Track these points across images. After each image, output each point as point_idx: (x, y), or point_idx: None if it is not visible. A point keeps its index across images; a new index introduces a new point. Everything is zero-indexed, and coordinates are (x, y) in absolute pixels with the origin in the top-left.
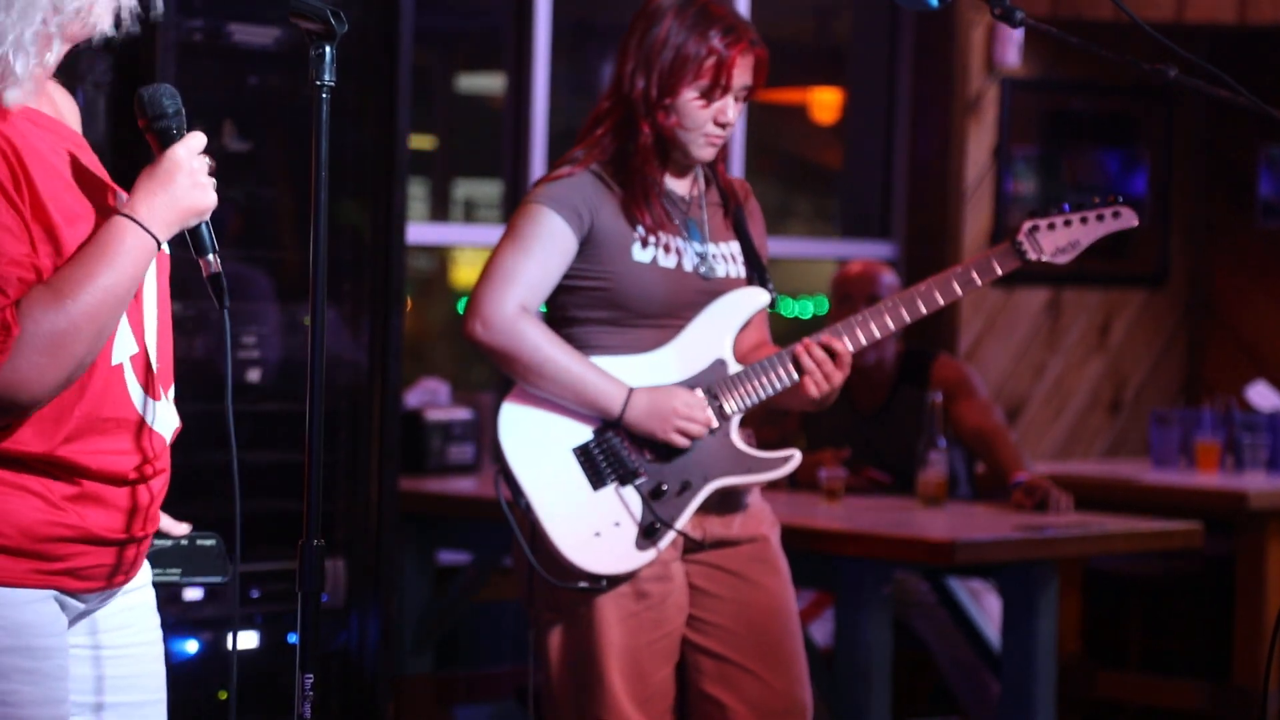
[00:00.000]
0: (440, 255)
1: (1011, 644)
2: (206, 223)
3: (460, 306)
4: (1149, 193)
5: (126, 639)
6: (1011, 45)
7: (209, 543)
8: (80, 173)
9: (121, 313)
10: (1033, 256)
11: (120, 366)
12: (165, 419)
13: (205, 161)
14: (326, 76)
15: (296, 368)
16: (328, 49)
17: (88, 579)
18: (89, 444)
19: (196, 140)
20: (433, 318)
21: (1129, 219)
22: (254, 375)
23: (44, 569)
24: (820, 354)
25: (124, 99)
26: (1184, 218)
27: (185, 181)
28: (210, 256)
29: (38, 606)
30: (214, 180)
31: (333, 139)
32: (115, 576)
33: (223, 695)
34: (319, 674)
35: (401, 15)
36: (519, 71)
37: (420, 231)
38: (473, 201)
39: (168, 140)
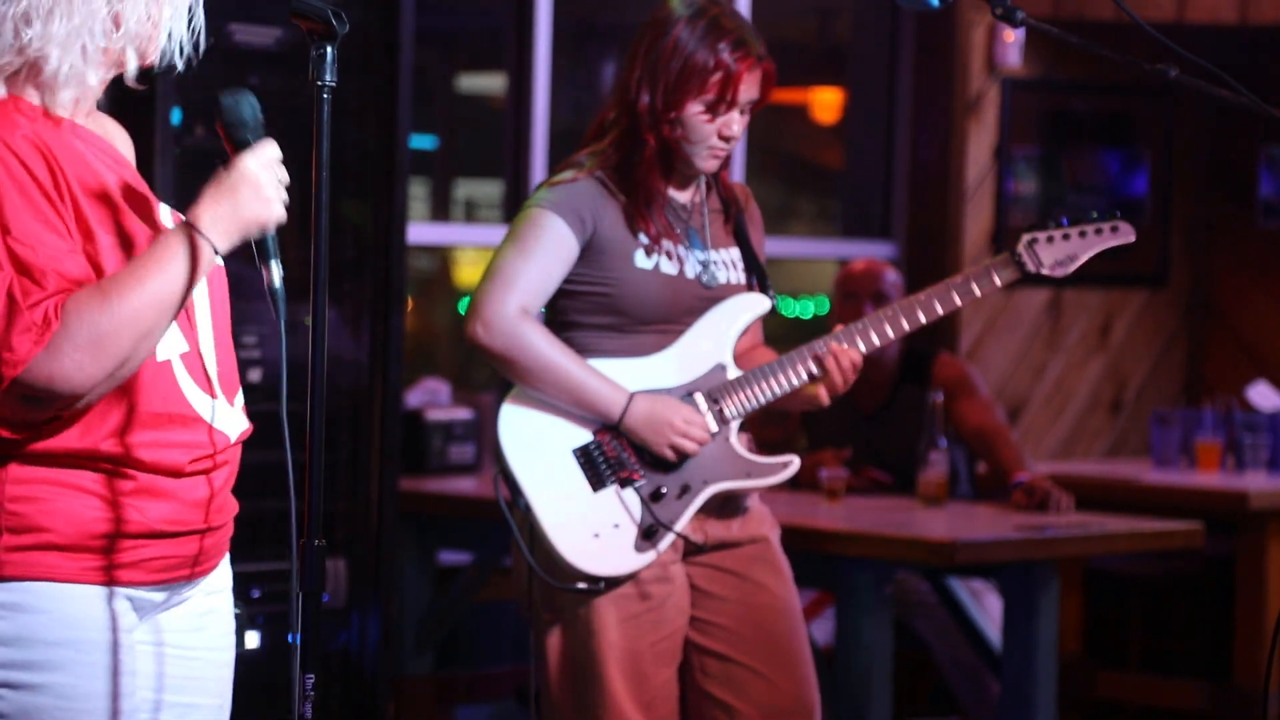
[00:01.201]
0: (441, 255)
1: (1012, 644)
2: (271, 234)
3: (462, 306)
4: (1150, 193)
5: (197, 641)
6: (1012, 45)
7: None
8: (126, 191)
9: (171, 318)
10: (1031, 269)
11: (168, 363)
12: (228, 419)
13: (277, 172)
14: (327, 77)
15: (297, 368)
16: (329, 49)
17: (155, 572)
18: (139, 437)
19: (268, 151)
20: (434, 318)
21: (1126, 234)
22: (254, 375)
23: (102, 564)
24: (846, 363)
25: (123, 98)
26: (1185, 218)
27: (249, 193)
28: (272, 264)
29: (96, 601)
30: (284, 193)
31: (334, 139)
32: (185, 569)
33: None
34: (319, 674)
35: (402, 15)
36: (520, 71)
37: (421, 231)
38: (473, 201)
39: (241, 149)
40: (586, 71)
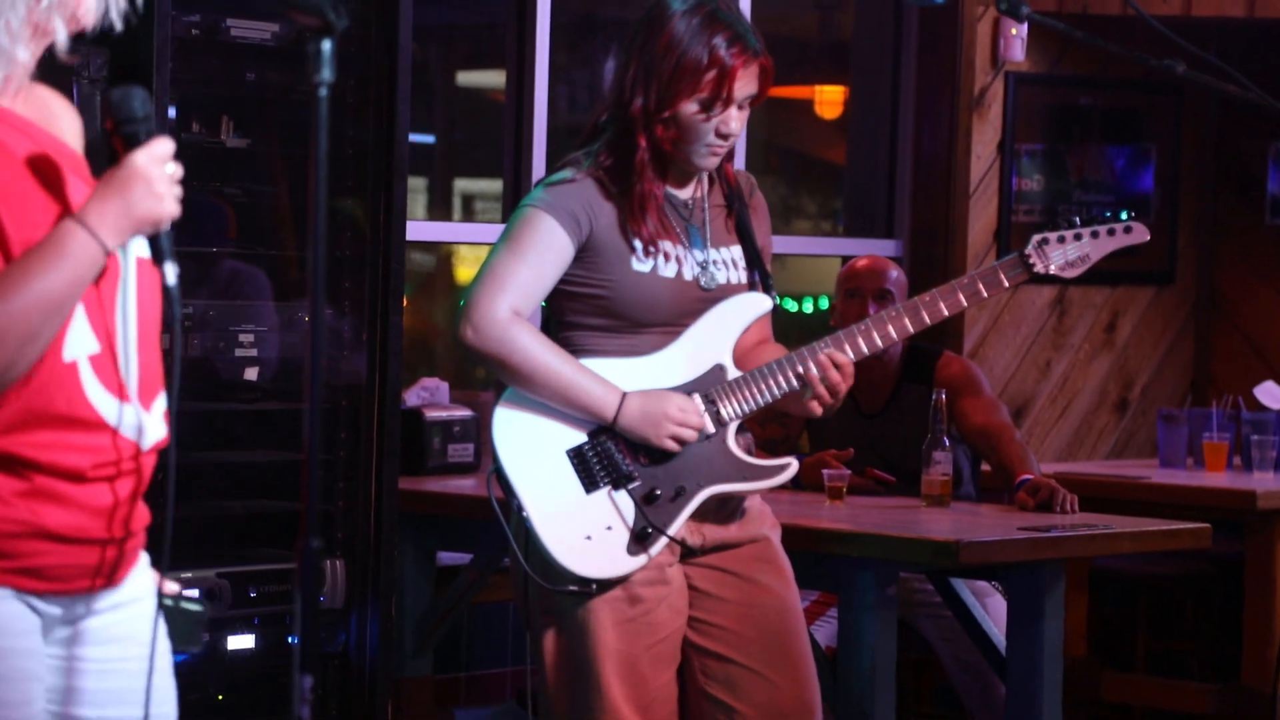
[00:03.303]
0: (440, 253)
1: (1017, 645)
2: (166, 232)
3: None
4: (1156, 189)
5: (112, 653)
6: (1017, 40)
7: (194, 608)
8: (50, 178)
9: (60, 319)
10: (1040, 270)
11: (74, 364)
12: (140, 426)
13: (170, 169)
14: (325, 72)
15: (295, 366)
16: (326, 44)
17: (54, 579)
18: (36, 438)
19: (161, 147)
20: (433, 316)
21: (1140, 234)
22: (252, 374)
23: None
24: (835, 376)
25: None
26: (1192, 215)
27: (141, 189)
28: (165, 266)
29: None
30: (177, 189)
31: (332, 135)
32: (84, 580)
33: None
34: (317, 675)
35: (401, 10)
36: (520, 67)
37: (420, 229)
38: (473, 198)
39: (133, 145)
40: (587, 67)
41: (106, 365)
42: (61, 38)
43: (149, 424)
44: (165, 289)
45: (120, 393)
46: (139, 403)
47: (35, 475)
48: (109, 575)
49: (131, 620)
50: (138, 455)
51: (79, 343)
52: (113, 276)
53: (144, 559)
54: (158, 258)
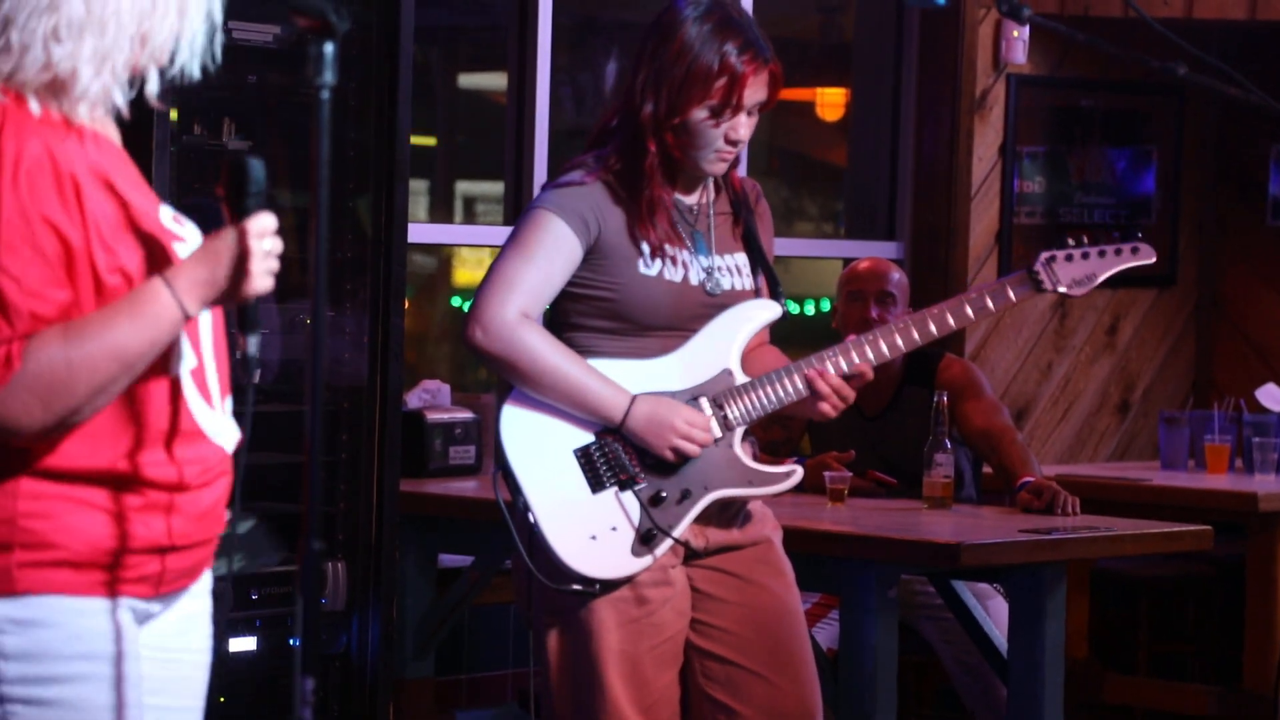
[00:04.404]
0: (442, 255)
1: (1018, 648)
2: (254, 304)
3: (466, 307)
4: (1158, 191)
5: (181, 644)
6: (1018, 42)
7: (249, 523)
8: (134, 197)
9: (132, 375)
10: (1048, 287)
11: (178, 380)
12: (224, 430)
13: (268, 245)
14: (327, 74)
15: (296, 368)
16: (328, 46)
17: (158, 585)
18: (149, 456)
19: (263, 221)
20: (434, 318)
21: (1147, 255)
22: (253, 376)
23: (110, 579)
24: (837, 380)
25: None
26: (1193, 216)
27: (231, 265)
28: (250, 337)
29: (104, 615)
30: (273, 263)
31: (333, 137)
32: (184, 580)
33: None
34: (319, 677)
35: (402, 12)
36: (521, 69)
37: (421, 231)
38: (474, 201)
39: (240, 215)
40: (589, 69)
41: (201, 377)
42: (153, 86)
43: (230, 426)
44: (244, 357)
45: (211, 401)
46: (220, 406)
47: (148, 490)
48: (198, 573)
49: (199, 612)
50: (226, 459)
51: (182, 359)
52: None
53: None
54: (243, 327)
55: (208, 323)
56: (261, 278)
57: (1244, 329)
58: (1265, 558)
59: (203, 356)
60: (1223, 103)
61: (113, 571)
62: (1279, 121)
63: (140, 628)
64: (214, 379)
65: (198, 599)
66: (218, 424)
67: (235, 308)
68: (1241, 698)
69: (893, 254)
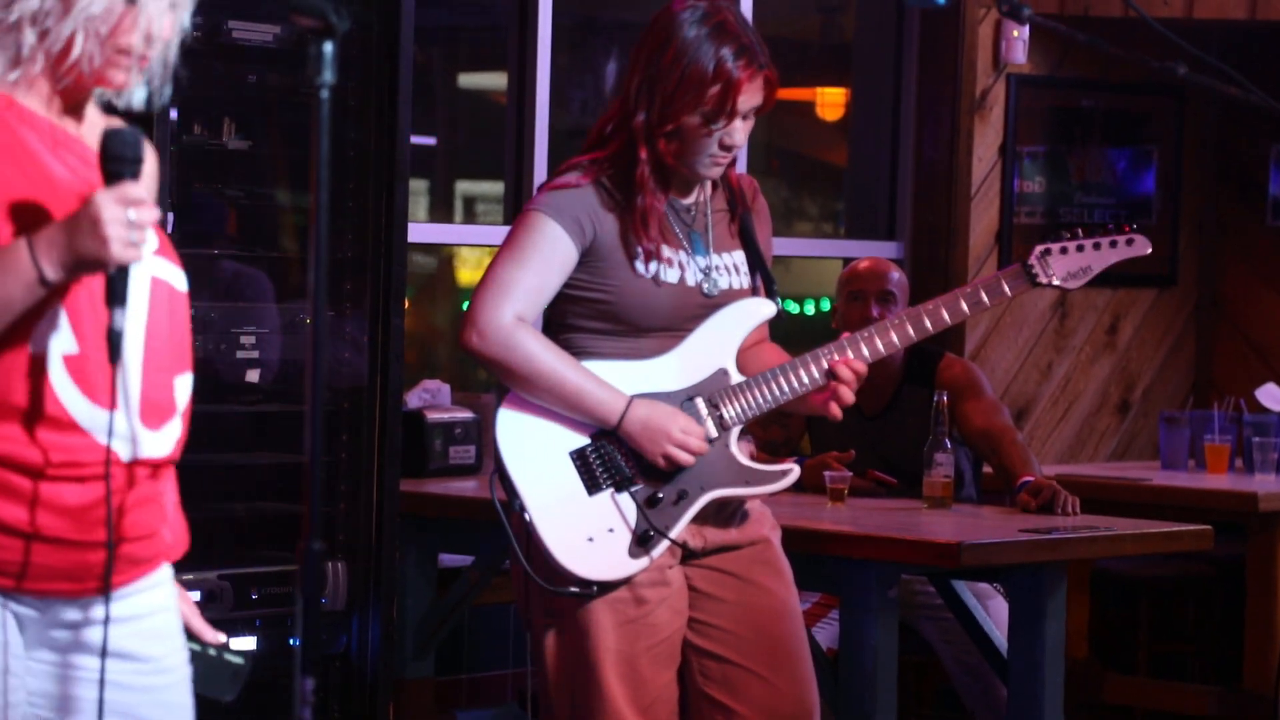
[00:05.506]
0: (442, 255)
1: (1019, 647)
2: (123, 275)
3: (464, 307)
4: (1158, 191)
5: (116, 666)
6: (1018, 42)
7: (236, 661)
8: (52, 183)
9: None
10: (1043, 280)
11: (42, 359)
12: (133, 438)
13: (132, 215)
14: (327, 74)
15: (296, 368)
16: (328, 46)
17: (20, 576)
18: (6, 430)
19: (124, 191)
20: (434, 318)
21: (1142, 247)
22: (253, 376)
23: None
24: (860, 366)
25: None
26: (1193, 216)
27: (86, 228)
28: (115, 309)
29: None
30: (134, 234)
31: (333, 137)
32: (63, 582)
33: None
34: (319, 677)
35: (403, 12)
36: (521, 69)
37: (421, 231)
38: (474, 200)
39: (110, 184)
40: (589, 69)
41: (86, 369)
42: (139, 97)
43: (147, 440)
44: (109, 332)
45: (103, 400)
46: (138, 418)
47: (2, 468)
48: (91, 583)
49: (140, 637)
50: (117, 464)
51: (53, 340)
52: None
53: (159, 575)
54: (108, 299)
55: (136, 335)
56: (120, 245)
57: (1244, 329)
58: (1265, 558)
59: (87, 347)
60: (1223, 103)
61: None
62: (1279, 121)
63: (40, 635)
64: (132, 389)
65: (134, 623)
66: (97, 421)
67: (106, 279)
68: (1241, 698)
69: (893, 254)
